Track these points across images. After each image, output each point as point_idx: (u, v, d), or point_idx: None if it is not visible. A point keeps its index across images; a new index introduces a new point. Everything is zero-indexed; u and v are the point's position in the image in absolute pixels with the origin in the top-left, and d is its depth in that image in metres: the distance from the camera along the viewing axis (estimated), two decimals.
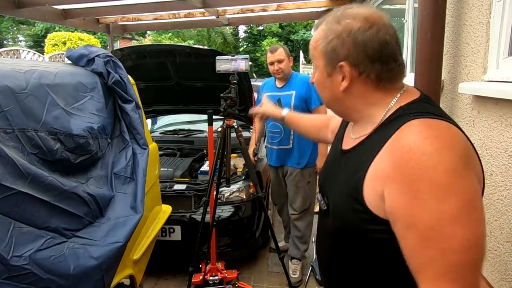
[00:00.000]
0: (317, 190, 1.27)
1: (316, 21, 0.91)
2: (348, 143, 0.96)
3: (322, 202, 0.98)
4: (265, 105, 1.66)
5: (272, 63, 2.79)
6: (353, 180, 0.82)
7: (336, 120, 1.26)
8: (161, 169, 3.02)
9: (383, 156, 0.77)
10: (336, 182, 0.92)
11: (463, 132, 0.78)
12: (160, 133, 4.18)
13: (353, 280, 0.90)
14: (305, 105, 2.78)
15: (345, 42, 0.84)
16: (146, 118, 3.03)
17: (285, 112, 1.54)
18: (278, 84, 2.89)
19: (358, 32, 0.82)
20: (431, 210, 0.67)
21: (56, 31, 17.45)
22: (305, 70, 12.04)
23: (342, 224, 0.87)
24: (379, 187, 0.75)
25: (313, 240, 3.16)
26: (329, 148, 1.24)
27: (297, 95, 2.78)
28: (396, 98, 0.86)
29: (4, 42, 23.40)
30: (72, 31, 15.20)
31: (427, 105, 0.84)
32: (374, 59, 0.83)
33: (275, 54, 2.75)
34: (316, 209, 3.05)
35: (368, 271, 0.85)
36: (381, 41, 0.82)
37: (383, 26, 0.83)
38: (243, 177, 3.08)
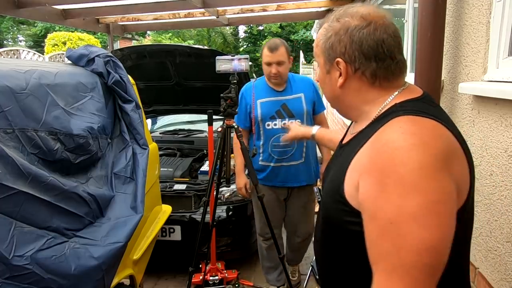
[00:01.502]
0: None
1: (322, 20, 0.97)
2: (346, 138, 0.99)
3: (317, 194, 1.08)
4: (293, 129, 1.69)
5: (269, 64, 2.30)
6: (339, 172, 0.84)
7: None
8: (161, 169, 3.02)
9: (365, 149, 0.79)
10: (329, 174, 0.95)
11: (456, 135, 0.77)
12: (160, 133, 4.18)
13: (336, 272, 0.91)
14: (312, 109, 2.47)
15: (342, 39, 0.85)
16: (146, 118, 3.04)
17: (315, 130, 1.57)
18: (276, 87, 2.42)
19: (354, 29, 0.84)
20: (393, 204, 0.67)
21: (56, 31, 17.45)
22: (305, 70, 12.04)
23: (327, 216, 0.89)
24: (356, 178, 0.77)
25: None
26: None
27: (307, 98, 2.43)
28: (393, 96, 0.87)
29: (4, 42, 23.40)
30: (72, 31, 15.20)
31: (425, 105, 0.83)
32: (369, 56, 0.84)
33: (275, 54, 2.25)
34: (316, 209, 3.05)
35: (348, 263, 0.86)
36: (377, 39, 0.83)
37: (381, 25, 0.84)
38: None
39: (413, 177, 0.67)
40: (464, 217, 0.76)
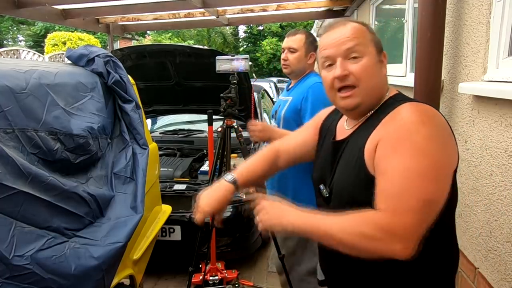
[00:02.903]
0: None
1: (329, 22, 1.01)
2: (342, 135, 1.09)
3: (324, 190, 1.08)
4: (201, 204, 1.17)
5: (283, 50, 2.13)
6: (355, 156, 0.96)
7: (292, 140, 1.33)
8: (161, 169, 3.02)
9: (380, 127, 0.94)
10: (337, 168, 1.04)
11: (440, 113, 0.96)
12: (160, 133, 4.18)
13: (357, 263, 0.92)
14: (299, 118, 1.99)
15: (377, 38, 1.03)
16: (146, 118, 3.04)
17: (229, 178, 1.19)
18: (291, 84, 2.19)
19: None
20: (405, 162, 0.85)
21: (56, 31, 17.45)
22: None
23: (347, 200, 0.97)
24: (372, 147, 0.92)
25: None
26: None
27: (292, 104, 2.05)
28: (388, 90, 1.04)
29: (4, 42, 23.40)
30: (72, 31, 15.21)
31: (406, 96, 1.04)
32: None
33: (290, 38, 2.08)
34: None
35: None
36: None
37: None
38: None
39: (424, 143, 0.85)
40: (454, 179, 0.93)
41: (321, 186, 1.09)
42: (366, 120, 1.02)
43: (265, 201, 1.04)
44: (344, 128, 1.10)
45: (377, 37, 1.04)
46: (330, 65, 1.02)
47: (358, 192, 0.94)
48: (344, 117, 1.13)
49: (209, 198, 1.16)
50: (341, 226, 0.87)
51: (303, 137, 1.30)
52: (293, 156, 1.31)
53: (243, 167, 1.26)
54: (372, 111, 1.02)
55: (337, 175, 1.03)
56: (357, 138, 1.00)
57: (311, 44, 2.07)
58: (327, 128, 1.20)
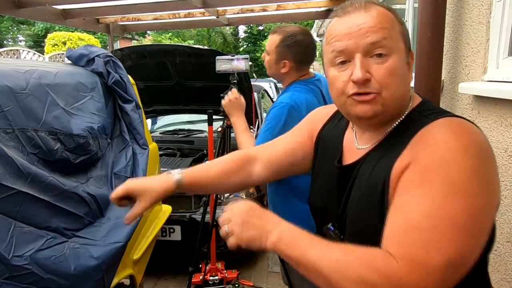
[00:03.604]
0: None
1: (345, 4, 0.79)
2: (353, 156, 0.84)
3: (336, 232, 0.84)
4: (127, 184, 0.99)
5: None
6: (377, 188, 0.74)
7: (274, 150, 1.04)
8: (161, 169, 3.02)
9: (407, 154, 0.71)
10: (350, 201, 0.81)
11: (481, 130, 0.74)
12: (160, 133, 4.18)
13: None
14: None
15: (407, 29, 0.80)
16: (146, 118, 3.03)
17: (175, 173, 0.99)
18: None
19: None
20: (434, 200, 0.64)
21: (56, 31, 17.45)
22: None
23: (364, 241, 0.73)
24: (398, 179, 0.71)
25: None
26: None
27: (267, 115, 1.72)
28: (411, 100, 0.81)
29: (4, 42, 23.40)
30: (72, 31, 15.20)
31: (433, 106, 0.81)
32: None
33: (268, 40, 1.73)
34: None
35: None
36: None
37: None
38: None
39: (463, 179, 0.64)
40: (494, 222, 0.73)
41: (330, 227, 0.85)
42: (385, 138, 0.79)
43: (236, 206, 0.79)
44: (355, 147, 0.86)
45: (407, 29, 0.80)
46: (343, 62, 0.77)
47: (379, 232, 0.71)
48: (352, 131, 0.89)
49: (140, 179, 0.99)
50: (337, 264, 0.65)
51: (291, 145, 1.03)
52: (276, 166, 1.04)
53: (197, 167, 1.04)
54: (393, 126, 0.79)
55: (351, 212, 0.80)
56: (376, 163, 0.77)
57: (286, 49, 1.63)
58: (328, 141, 0.95)
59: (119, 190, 0.95)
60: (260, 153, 1.06)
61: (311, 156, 1.01)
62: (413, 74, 1.99)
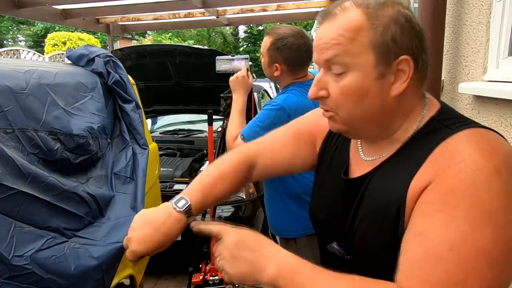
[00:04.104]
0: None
1: (322, 10, 0.72)
2: (360, 170, 0.76)
3: (342, 251, 0.75)
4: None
5: None
6: (391, 207, 0.65)
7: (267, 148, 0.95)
8: (161, 169, 3.02)
9: (426, 168, 0.62)
10: (358, 219, 0.73)
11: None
12: (160, 133, 4.18)
13: None
14: None
15: (405, 29, 0.65)
16: (146, 118, 3.03)
17: (181, 205, 0.82)
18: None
19: (412, 16, 0.66)
20: (461, 230, 0.55)
21: (56, 31, 17.45)
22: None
23: (376, 269, 0.67)
24: (416, 199, 0.62)
25: None
26: None
27: None
28: (426, 106, 0.70)
29: (4, 42, 23.40)
30: (72, 31, 15.20)
31: (455, 113, 0.71)
32: (426, 49, 0.68)
33: (263, 41, 1.72)
34: None
35: None
36: (421, 27, 0.68)
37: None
38: None
39: (494, 206, 0.55)
40: None
41: (335, 246, 0.76)
42: (399, 149, 0.70)
43: (226, 238, 0.69)
44: (361, 158, 0.77)
45: (390, 35, 0.64)
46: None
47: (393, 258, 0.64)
48: (355, 145, 0.82)
49: (147, 233, 0.79)
50: None
51: (291, 157, 0.94)
52: (272, 173, 0.99)
53: (200, 187, 0.86)
54: (408, 136, 0.69)
55: (359, 231, 0.72)
56: (389, 178, 0.68)
57: (276, 52, 1.61)
58: (332, 152, 0.86)
59: (132, 257, 0.80)
60: (259, 158, 0.95)
61: (310, 164, 0.93)
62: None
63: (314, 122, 0.92)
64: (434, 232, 0.57)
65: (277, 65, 1.64)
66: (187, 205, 0.81)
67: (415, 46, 0.66)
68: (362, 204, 0.72)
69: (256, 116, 1.64)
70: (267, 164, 0.94)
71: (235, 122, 1.71)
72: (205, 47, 4.06)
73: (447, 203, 0.57)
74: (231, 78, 1.84)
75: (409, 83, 0.66)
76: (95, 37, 17.17)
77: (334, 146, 0.87)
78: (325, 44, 0.67)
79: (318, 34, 0.69)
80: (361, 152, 0.78)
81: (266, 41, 1.65)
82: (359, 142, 0.80)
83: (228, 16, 5.78)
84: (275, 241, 2.35)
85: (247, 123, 1.69)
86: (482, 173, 0.56)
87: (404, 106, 0.69)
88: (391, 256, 0.63)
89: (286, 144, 0.94)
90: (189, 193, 0.84)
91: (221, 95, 2.21)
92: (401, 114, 0.70)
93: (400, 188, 0.64)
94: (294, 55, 1.61)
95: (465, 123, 0.66)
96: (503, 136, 0.66)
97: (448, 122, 0.67)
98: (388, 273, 0.62)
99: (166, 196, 2.78)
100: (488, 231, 0.54)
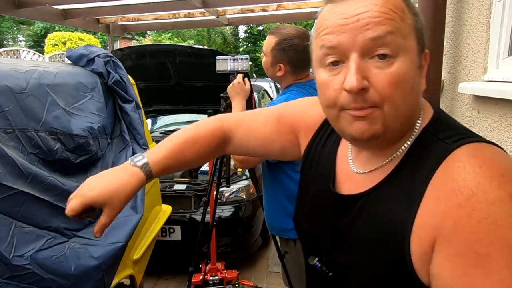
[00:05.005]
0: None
1: None
2: (352, 184, 0.68)
3: (323, 268, 0.70)
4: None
5: None
6: (391, 238, 0.58)
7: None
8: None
9: (430, 203, 0.54)
10: (351, 240, 0.66)
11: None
12: (160, 133, 4.18)
13: None
14: None
15: (423, 23, 0.61)
16: (146, 118, 3.04)
17: (140, 162, 0.78)
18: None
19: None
20: (505, 283, 0.47)
21: (56, 31, 17.45)
22: None
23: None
24: (427, 245, 0.53)
25: None
26: None
27: None
28: (421, 112, 0.63)
29: (4, 42, 23.40)
30: (72, 31, 15.20)
31: (451, 122, 0.64)
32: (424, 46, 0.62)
33: (265, 40, 1.73)
34: None
35: None
36: None
37: None
38: (243, 177, 3.07)
39: None
40: None
41: (317, 263, 0.71)
42: (400, 164, 0.61)
43: None
44: (350, 169, 0.69)
45: (422, 23, 0.61)
46: (335, 62, 0.59)
47: None
48: (346, 146, 0.72)
49: (98, 181, 0.78)
50: None
51: (269, 139, 0.86)
52: (247, 152, 0.94)
53: (164, 148, 0.81)
54: (401, 150, 0.62)
55: (350, 251, 0.66)
56: (388, 204, 0.60)
57: (281, 53, 1.61)
58: (318, 156, 0.77)
59: (76, 205, 0.76)
60: (236, 132, 0.87)
61: (291, 154, 0.86)
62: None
63: (301, 113, 0.83)
64: None
65: (281, 65, 1.63)
66: (143, 161, 0.77)
67: (425, 39, 0.61)
68: (356, 228, 0.64)
69: None
70: (242, 140, 0.88)
71: None
72: (205, 47, 4.06)
73: (478, 253, 0.49)
74: (228, 87, 1.86)
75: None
76: (95, 37, 17.17)
77: (320, 151, 0.77)
78: (372, 18, 0.54)
79: (350, 9, 0.56)
80: (350, 161, 0.69)
81: (270, 41, 1.63)
82: (349, 149, 0.71)
83: (228, 16, 5.78)
84: (275, 242, 2.36)
85: None
86: (498, 207, 0.49)
87: (418, 107, 0.63)
88: (391, 283, 0.59)
89: (266, 125, 0.86)
90: (150, 152, 0.81)
91: (221, 95, 2.21)
92: (416, 115, 0.63)
93: (402, 221, 0.57)
94: (300, 56, 1.60)
95: (462, 135, 0.59)
96: (500, 147, 0.61)
97: (443, 135, 0.59)
98: None
99: (166, 196, 2.82)
100: None
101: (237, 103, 1.81)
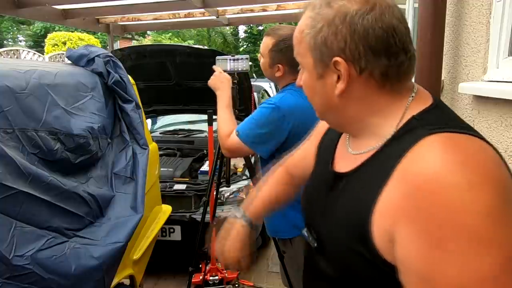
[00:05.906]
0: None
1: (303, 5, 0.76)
2: (345, 163, 0.75)
3: (310, 239, 0.78)
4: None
5: None
6: (358, 215, 0.63)
7: (302, 156, 1.02)
8: (161, 169, 3.02)
9: (394, 184, 0.59)
10: (331, 214, 0.73)
11: (498, 152, 0.59)
12: (160, 133, 4.19)
13: None
14: None
15: (339, 30, 0.64)
16: (146, 118, 3.04)
17: (240, 216, 1.04)
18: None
19: (356, 16, 0.63)
20: (461, 265, 0.50)
21: (56, 31, 17.45)
22: None
23: (343, 269, 0.70)
24: (388, 224, 0.58)
25: None
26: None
27: None
28: (408, 103, 0.68)
29: (4, 42, 23.39)
30: (72, 31, 15.20)
31: (446, 113, 0.68)
32: (379, 51, 0.64)
33: (262, 41, 1.71)
34: None
35: None
36: (387, 27, 0.64)
37: (388, 7, 0.65)
38: (243, 177, 3.07)
39: (482, 226, 0.50)
40: None
41: (305, 233, 0.80)
42: (382, 148, 0.67)
43: None
44: (347, 150, 0.77)
45: (321, 37, 0.66)
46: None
47: (355, 267, 0.65)
48: (345, 135, 0.83)
49: (231, 244, 1.01)
50: None
51: (304, 151, 1.02)
52: (305, 179, 1.01)
53: (254, 201, 1.06)
54: (390, 135, 0.66)
55: (328, 227, 0.74)
56: (366, 177, 0.67)
57: (279, 54, 1.60)
58: (325, 145, 0.89)
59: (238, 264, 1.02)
60: (288, 163, 1.08)
61: None
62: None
63: (317, 128, 0.99)
64: (438, 274, 0.51)
65: (279, 66, 1.63)
66: (247, 218, 1.04)
67: (354, 48, 0.64)
68: (336, 204, 0.72)
69: (252, 113, 1.65)
70: (299, 174, 1.01)
71: (226, 118, 1.71)
72: (205, 47, 4.06)
73: (436, 235, 0.51)
74: (209, 82, 1.88)
75: (353, 83, 0.66)
76: (95, 37, 17.17)
77: (327, 140, 0.90)
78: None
79: None
80: (348, 146, 0.78)
81: (267, 42, 1.64)
82: (346, 136, 0.81)
83: (228, 16, 5.78)
84: (275, 243, 2.36)
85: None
86: (454, 192, 0.51)
87: (368, 103, 0.68)
88: (357, 258, 0.64)
89: (303, 144, 1.05)
90: (246, 208, 1.06)
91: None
92: (365, 110, 0.69)
93: (368, 200, 0.61)
94: None
95: (447, 126, 0.60)
96: (489, 143, 0.60)
97: (427, 122, 0.62)
98: (352, 271, 0.66)
99: (166, 196, 2.82)
100: (488, 256, 0.50)
101: (222, 92, 1.79)
